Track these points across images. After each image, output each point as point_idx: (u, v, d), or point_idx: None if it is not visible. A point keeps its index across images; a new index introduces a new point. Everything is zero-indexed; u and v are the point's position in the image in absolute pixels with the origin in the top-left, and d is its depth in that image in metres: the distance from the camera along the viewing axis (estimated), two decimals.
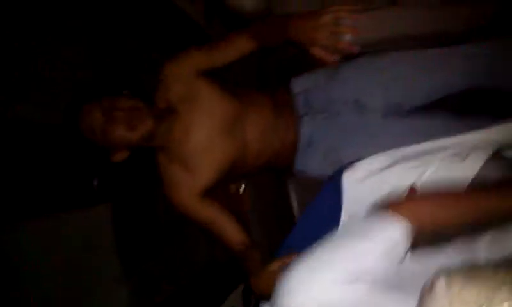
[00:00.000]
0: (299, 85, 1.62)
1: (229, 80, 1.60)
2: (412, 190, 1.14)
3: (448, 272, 0.74)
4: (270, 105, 1.58)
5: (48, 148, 1.56)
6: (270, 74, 1.73)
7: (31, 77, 1.50)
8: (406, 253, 0.89)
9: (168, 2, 1.82)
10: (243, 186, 1.86)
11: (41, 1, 1.53)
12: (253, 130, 1.57)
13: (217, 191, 1.57)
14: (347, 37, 1.40)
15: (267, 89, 1.64)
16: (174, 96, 1.54)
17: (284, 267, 0.95)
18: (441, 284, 0.72)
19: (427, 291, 0.73)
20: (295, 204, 1.84)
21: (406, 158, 1.20)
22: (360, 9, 1.42)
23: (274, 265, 1.36)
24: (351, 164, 1.26)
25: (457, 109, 1.46)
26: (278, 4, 1.79)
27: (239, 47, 1.54)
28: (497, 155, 1.15)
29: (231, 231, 1.54)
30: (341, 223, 1.20)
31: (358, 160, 1.27)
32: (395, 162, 1.20)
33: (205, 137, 1.52)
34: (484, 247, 0.97)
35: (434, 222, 0.91)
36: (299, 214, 1.83)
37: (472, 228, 0.97)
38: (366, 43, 1.65)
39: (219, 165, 1.53)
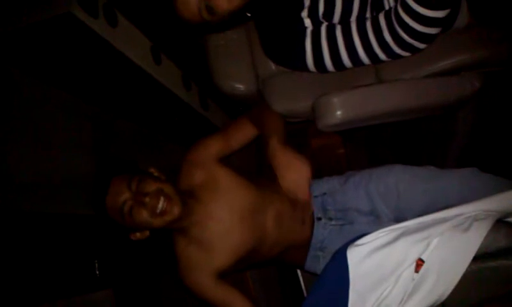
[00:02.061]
0: (317, 189, 1.66)
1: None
2: (419, 263, 1.11)
3: None
4: (288, 199, 1.58)
5: (46, 232, 1.50)
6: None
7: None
8: None
9: (167, 92, 1.84)
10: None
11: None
12: (272, 219, 1.56)
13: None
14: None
15: None
16: (195, 181, 1.54)
17: None
18: None
19: None
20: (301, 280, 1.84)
21: (408, 233, 1.17)
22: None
23: None
24: (353, 241, 1.22)
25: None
26: (266, 85, 1.81)
27: (247, 131, 1.61)
28: (499, 223, 1.13)
29: None
30: (350, 300, 1.15)
31: (359, 237, 1.23)
32: (398, 237, 1.17)
33: (226, 223, 1.51)
34: None
35: None
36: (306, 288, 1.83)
37: None
38: (355, 119, 1.69)
39: (238, 250, 1.50)
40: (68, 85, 1.61)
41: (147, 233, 1.47)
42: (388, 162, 1.64)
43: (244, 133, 1.61)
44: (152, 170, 1.50)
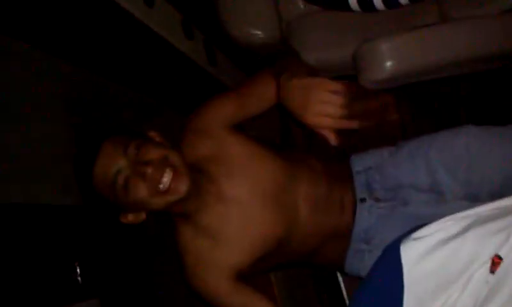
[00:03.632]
0: (361, 163, 1.64)
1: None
2: (496, 261, 1.08)
3: None
4: (324, 175, 1.56)
5: (11, 229, 1.50)
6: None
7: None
8: None
9: (162, 42, 1.82)
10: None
11: None
12: (305, 202, 1.53)
13: None
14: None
15: (320, 155, 1.63)
16: (202, 154, 1.52)
17: None
18: None
19: None
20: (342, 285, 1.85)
21: (480, 222, 1.14)
22: None
23: None
24: (408, 233, 1.20)
25: None
26: (293, 30, 1.79)
27: (267, 91, 1.52)
28: None
29: None
30: None
31: (416, 228, 1.21)
32: (467, 228, 1.14)
33: (245, 208, 1.48)
34: None
35: None
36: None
37: None
38: (411, 72, 1.67)
39: (261, 243, 1.48)
40: (34, 36, 1.61)
41: (143, 215, 1.44)
42: None
43: (263, 92, 1.55)
44: (153, 134, 1.47)
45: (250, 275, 1.51)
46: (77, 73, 1.72)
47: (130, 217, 1.44)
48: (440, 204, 1.53)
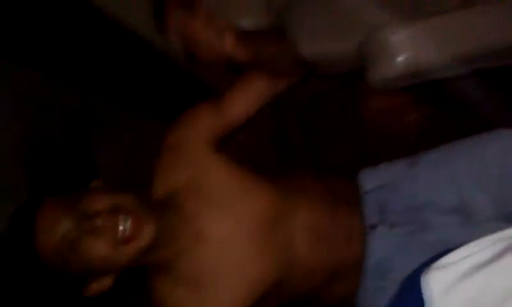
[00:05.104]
0: (371, 180, 1.66)
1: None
2: None
3: None
4: (326, 199, 1.57)
5: None
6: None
7: None
8: None
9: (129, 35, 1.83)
10: None
11: None
12: (304, 234, 1.55)
13: None
14: None
15: (320, 174, 1.64)
16: (177, 184, 1.53)
17: None
18: None
19: None
20: None
21: None
22: None
23: None
24: (432, 260, 1.21)
25: None
26: (286, 19, 1.80)
27: (254, 91, 1.60)
28: None
29: None
30: None
31: (440, 255, 1.22)
32: (504, 251, 1.15)
33: (230, 249, 1.50)
34: None
35: None
36: None
37: None
38: (429, 68, 1.67)
39: (254, 287, 1.49)
40: None
41: (108, 280, 1.43)
42: None
43: (249, 94, 1.60)
44: (96, 183, 1.48)
45: None
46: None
47: (95, 287, 1.44)
48: (469, 227, 1.53)
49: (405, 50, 1.64)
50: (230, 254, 1.49)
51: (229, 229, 1.50)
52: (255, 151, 1.78)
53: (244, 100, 1.60)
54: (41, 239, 1.36)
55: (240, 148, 1.65)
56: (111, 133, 2.02)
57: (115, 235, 1.35)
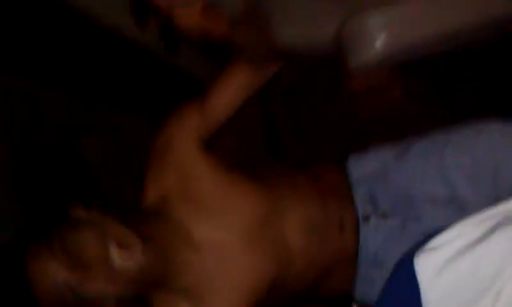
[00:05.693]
0: (360, 167, 1.66)
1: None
2: None
3: None
4: (317, 193, 1.57)
5: None
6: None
7: None
8: None
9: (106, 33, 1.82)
10: None
11: None
12: (296, 229, 1.58)
13: None
14: None
15: (307, 166, 1.65)
16: (166, 190, 1.54)
17: None
18: None
19: None
20: None
21: (510, 221, 1.13)
22: None
23: None
24: (422, 242, 1.22)
25: None
26: (262, 4, 1.79)
27: (237, 85, 1.58)
28: None
29: None
30: None
31: (431, 234, 1.23)
32: (493, 229, 1.14)
33: (223, 253, 1.51)
34: None
35: None
36: None
37: None
38: (409, 48, 1.67)
39: (252, 289, 1.49)
40: None
41: None
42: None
43: (233, 88, 1.58)
44: (76, 210, 1.48)
45: None
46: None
47: None
48: (461, 217, 1.52)
49: (382, 33, 1.61)
50: (222, 259, 1.50)
51: (219, 234, 1.51)
52: (244, 144, 1.78)
53: (228, 95, 1.58)
54: (42, 290, 1.36)
55: (229, 142, 1.63)
56: (100, 134, 2.02)
57: (107, 264, 1.37)
